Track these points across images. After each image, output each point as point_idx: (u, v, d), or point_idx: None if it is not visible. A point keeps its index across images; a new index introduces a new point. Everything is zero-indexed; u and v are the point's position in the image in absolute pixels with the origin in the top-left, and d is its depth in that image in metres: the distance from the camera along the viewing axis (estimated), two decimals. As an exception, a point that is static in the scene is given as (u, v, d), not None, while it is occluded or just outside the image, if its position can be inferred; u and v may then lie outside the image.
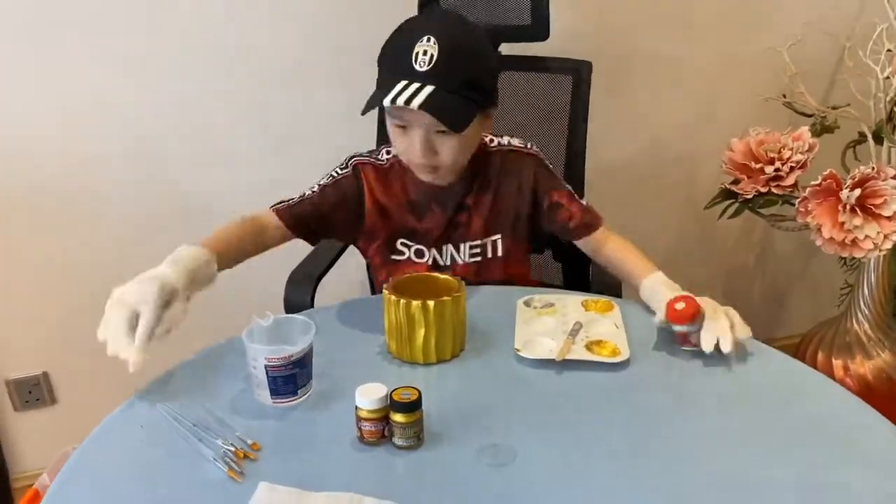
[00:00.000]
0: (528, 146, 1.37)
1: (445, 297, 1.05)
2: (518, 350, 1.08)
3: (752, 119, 1.88)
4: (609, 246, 1.35)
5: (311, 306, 1.40)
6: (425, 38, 1.13)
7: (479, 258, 1.35)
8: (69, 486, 0.87)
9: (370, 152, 1.35)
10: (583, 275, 1.73)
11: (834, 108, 1.89)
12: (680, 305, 1.09)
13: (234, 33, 1.74)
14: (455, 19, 1.23)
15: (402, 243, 1.34)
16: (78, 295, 1.82)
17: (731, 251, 2.31)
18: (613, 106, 1.95)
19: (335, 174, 1.33)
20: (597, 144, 1.71)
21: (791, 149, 1.78)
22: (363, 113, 1.16)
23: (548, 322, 1.16)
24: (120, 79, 1.70)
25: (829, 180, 1.72)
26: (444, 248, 1.34)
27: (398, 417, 0.89)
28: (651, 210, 2.17)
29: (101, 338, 0.99)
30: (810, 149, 1.78)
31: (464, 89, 1.15)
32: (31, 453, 1.95)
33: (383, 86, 1.15)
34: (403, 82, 1.12)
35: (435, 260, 1.34)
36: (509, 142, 1.36)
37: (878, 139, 1.83)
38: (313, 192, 1.31)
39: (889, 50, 1.78)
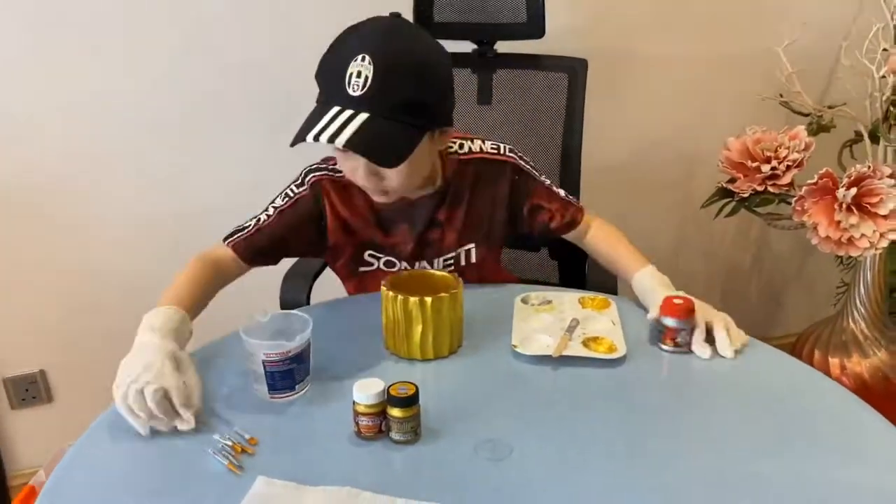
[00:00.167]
0: (503, 151, 1.29)
1: (443, 294, 1.05)
2: (515, 346, 1.09)
3: (748, 118, 1.88)
4: (593, 234, 1.34)
5: (307, 304, 1.40)
6: (360, 58, 1.02)
7: (451, 266, 1.30)
8: (65, 482, 0.87)
9: (326, 162, 1.24)
10: (579, 273, 1.73)
11: (830, 107, 1.90)
12: (678, 301, 1.10)
13: (235, 36, 1.74)
14: (397, 31, 1.09)
15: (370, 255, 1.28)
16: (75, 294, 1.83)
17: (727, 250, 2.31)
18: (610, 105, 1.96)
19: (291, 193, 1.23)
20: (594, 143, 1.71)
21: (787, 147, 1.78)
22: (292, 145, 1.06)
23: (545, 319, 1.17)
24: (121, 80, 1.70)
25: (825, 179, 1.72)
26: (416, 264, 1.28)
27: (395, 412, 0.90)
28: (648, 209, 2.17)
29: (144, 430, 0.93)
30: (806, 147, 1.78)
31: (402, 114, 1.05)
32: (27, 451, 1.95)
33: (314, 113, 1.07)
34: (335, 109, 1.04)
35: (407, 270, 1.28)
36: (481, 147, 1.27)
37: (875, 138, 1.84)
38: (269, 217, 1.22)
39: (885, 49, 1.79)
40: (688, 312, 1.09)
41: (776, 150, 1.79)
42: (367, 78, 1.02)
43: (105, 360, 1.80)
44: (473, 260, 1.31)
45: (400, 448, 0.90)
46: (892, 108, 1.77)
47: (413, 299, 1.05)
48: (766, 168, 1.78)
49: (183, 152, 1.80)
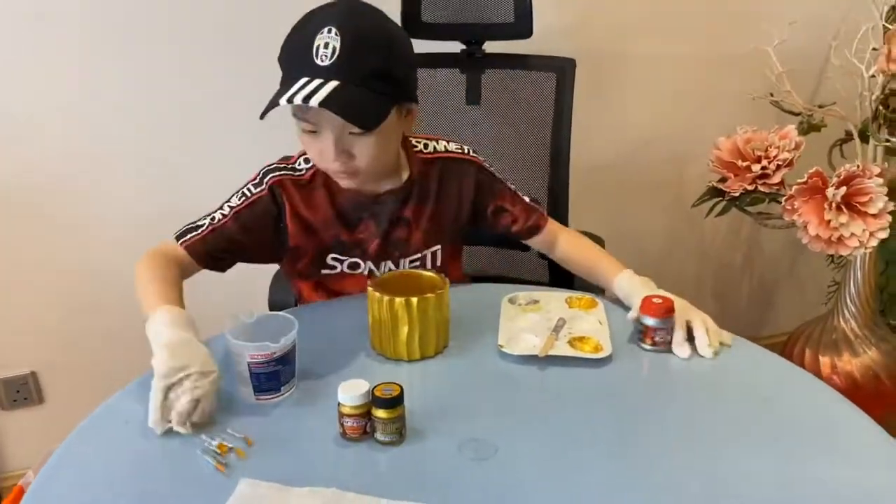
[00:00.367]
0: (467, 151, 1.30)
1: (429, 294, 1.06)
2: (501, 346, 1.09)
3: (739, 118, 1.88)
4: (563, 243, 1.34)
5: (296, 305, 1.40)
6: (326, 30, 1.03)
7: (417, 267, 1.28)
8: (52, 482, 0.87)
9: (286, 162, 1.23)
10: (568, 273, 1.73)
11: (820, 106, 1.90)
12: (657, 300, 1.10)
13: (234, 35, 1.74)
14: (361, 7, 1.11)
15: (333, 258, 1.26)
16: (69, 294, 1.83)
17: (718, 250, 2.31)
18: (599, 105, 1.96)
19: (248, 193, 1.20)
20: (583, 143, 1.71)
21: (778, 147, 1.78)
22: (262, 116, 1.04)
23: (532, 319, 1.17)
24: (121, 80, 1.70)
25: (815, 178, 1.72)
26: (382, 263, 1.26)
27: (380, 413, 0.90)
28: (639, 209, 2.18)
29: (159, 428, 0.93)
30: (797, 147, 1.78)
31: (372, 81, 1.05)
32: (18, 452, 1.95)
33: (282, 84, 1.06)
34: (304, 79, 1.03)
35: (371, 272, 1.26)
36: (445, 147, 1.28)
37: (864, 138, 1.84)
38: (224, 216, 1.19)
39: (874, 49, 1.79)
40: (667, 311, 1.09)
41: (766, 150, 1.79)
42: (334, 48, 1.02)
43: (97, 362, 1.82)
44: (438, 262, 1.30)
45: (385, 449, 0.90)
46: (881, 108, 1.77)
47: (399, 300, 1.05)
48: (756, 167, 1.78)
49: (182, 152, 1.79)
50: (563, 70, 1.66)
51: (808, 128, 1.91)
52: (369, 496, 0.82)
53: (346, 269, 1.26)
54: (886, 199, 1.68)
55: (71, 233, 1.79)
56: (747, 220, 1.98)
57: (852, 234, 1.69)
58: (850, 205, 1.70)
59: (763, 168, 1.78)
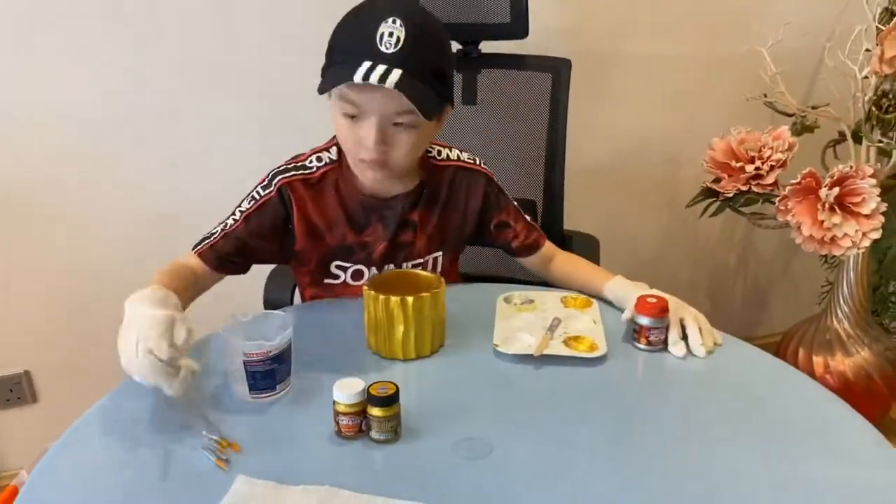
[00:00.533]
0: (478, 162, 1.31)
1: (424, 294, 1.06)
2: (497, 346, 1.09)
3: (733, 118, 1.89)
4: (558, 261, 1.36)
5: (291, 304, 1.40)
6: (390, 20, 1.03)
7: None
8: (46, 480, 0.87)
9: (295, 162, 1.22)
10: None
11: (814, 107, 1.91)
12: (651, 299, 1.11)
13: (226, 35, 1.74)
14: (417, 5, 1.12)
15: (336, 266, 1.25)
16: (63, 294, 1.82)
17: (713, 250, 2.32)
18: (594, 106, 1.97)
19: (258, 195, 1.20)
20: (579, 144, 1.72)
21: (771, 147, 1.79)
22: (321, 91, 1.06)
23: (527, 318, 1.17)
24: (110, 79, 1.69)
25: (808, 179, 1.73)
26: (385, 267, 1.25)
27: (375, 411, 0.90)
28: (634, 209, 2.18)
29: (172, 390, 0.92)
30: (790, 147, 1.79)
31: (429, 76, 1.07)
32: (12, 452, 1.94)
33: (343, 65, 1.04)
34: (368, 63, 1.02)
35: None
36: (458, 156, 1.29)
37: (857, 139, 1.85)
38: (235, 221, 1.19)
39: (867, 50, 1.80)
40: (661, 311, 1.10)
41: (760, 150, 1.80)
42: (399, 38, 1.03)
43: (90, 361, 1.81)
44: (438, 269, 1.30)
45: (380, 447, 0.90)
46: (874, 109, 1.78)
47: (395, 299, 1.05)
48: (750, 168, 1.79)
49: (180, 152, 1.79)
50: (558, 70, 1.67)
51: (802, 129, 1.92)
52: (364, 494, 0.82)
53: (349, 280, 1.26)
54: (879, 199, 1.69)
55: (66, 232, 1.79)
56: (741, 220, 1.99)
57: (845, 235, 1.70)
58: (843, 205, 1.71)
59: (757, 169, 1.79)
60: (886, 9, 1.78)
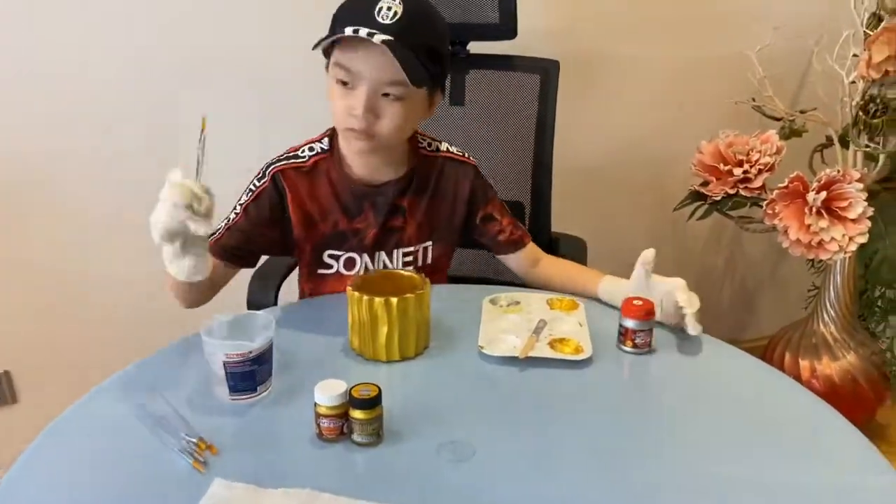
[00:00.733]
0: (466, 155, 1.34)
1: (409, 294, 1.04)
2: (482, 347, 1.08)
3: (721, 122, 1.89)
4: (545, 263, 1.37)
5: (275, 305, 1.39)
6: None
7: (410, 267, 1.30)
8: (22, 481, 0.84)
9: (288, 153, 1.26)
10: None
11: (802, 111, 1.91)
12: (638, 302, 1.10)
13: (204, 34, 1.73)
14: None
15: (329, 255, 1.27)
16: (41, 293, 1.80)
17: (700, 253, 2.32)
18: (582, 108, 1.96)
19: (254, 187, 1.24)
20: (567, 146, 1.71)
21: (759, 151, 1.79)
22: (315, 46, 1.10)
23: (513, 320, 1.16)
24: (87, 74, 1.68)
25: (795, 183, 1.73)
26: (377, 254, 1.28)
27: (357, 414, 0.88)
28: (621, 212, 2.18)
29: (203, 228, 0.98)
30: (778, 151, 1.79)
31: (423, 54, 1.11)
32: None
33: (341, 32, 1.09)
34: (366, 30, 1.07)
35: (367, 268, 1.28)
36: (448, 148, 1.32)
37: (845, 143, 1.85)
38: (237, 215, 1.23)
39: (855, 55, 1.81)
40: (647, 313, 1.09)
41: (748, 154, 1.80)
42: (396, 12, 1.08)
43: (70, 362, 1.79)
44: (429, 260, 1.32)
45: (362, 450, 0.89)
46: (861, 114, 1.79)
47: (378, 300, 1.03)
48: (738, 171, 1.79)
49: (152, 150, 1.77)
50: (547, 71, 1.66)
51: (790, 133, 1.92)
52: (346, 498, 0.81)
53: (342, 269, 1.28)
54: (866, 204, 1.69)
55: (45, 232, 1.76)
56: (729, 224, 1.99)
57: (832, 239, 1.71)
58: (830, 209, 1.71)
59: (745, 172, 1.79)
60: (874, 14, 1.78)
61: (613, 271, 1.31)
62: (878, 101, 1.78)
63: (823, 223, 1.70)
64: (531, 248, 1.38)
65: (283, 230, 1.26)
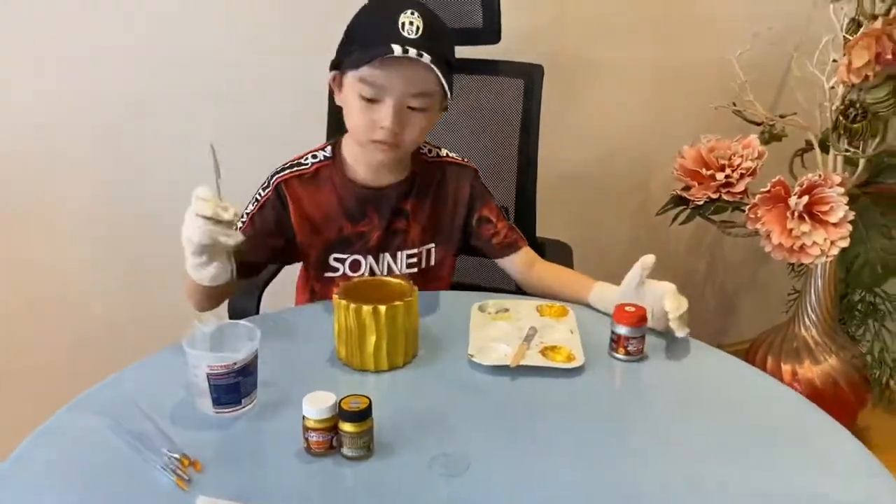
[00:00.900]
0: (465, 159, 1.37)
1: (398, 302, 1.02)
2: (472, 356, 1.06)
3: (700, 126, 1.89)
4: (539, 267, 1.37)
5: (257, 314, 1.35)
6: (409, 11, 1.12)
7: (414, 269, 1.31)
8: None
9: (291, 161, 1.29)
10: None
11: (782, 116, 1.91)
12: (630, 308, 1.08)
13: (197, 33, 1.69)
14: (425, 4, 1.21)
15: (335, 258, 1.28)
16: (9, 299, 1.74)
17: (682, 258, 2.32)
18: (564, 113, 1.95)
19: (259, 197, 1.27)
20: (548, 152, 1.69)
21: (741, 156, 1.79)
22: (359, 65, 1.12)
23: (502, 327, 1.14)
24: (67, 74, 1.63)
25: (777, 187, 1.74)
26: (381, 256, 1.29)
27: (347, 427, 0.86)
28: (603, 217, 2.17)
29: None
30: (759, 156, 1.80)
31: (443, 66, 1.14)
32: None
33: (371, 47, 1.12)
34: (398, 46, 1.10)
35: (372, 270, 1.29)
36: (447, 154, 1.36)
37: (824, 147, 1.86)
38: (243, 224, 1.25)
39: (834, 60, 1.81)
40: (639, 320, 1.08)
41: (730, 159, 1.80)
42: (418, 27, 1.12)
43: (38, 373, 1.73)
44: (433, 262, 1.33)
45: (352, 464, 0.86)
46: (841, 119, 1.79)
47: (366, 308, 1.01)
48: (720, 176, 1.79)
49: (130, 157, 1.73)
50: (531, 76, 1.65)
51: (770, 137, 1.92)
52: (336, 514, 0.78)
53: (347, 271, 1.29)
54: (847, 208, 1.69)
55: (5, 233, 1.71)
56: (711, 228, 1.98)
57: (814, 243, 1.71)
58: (812, 214, 1.72)
59: (727, 177, 1.79)
60: (853, 19, 1.79)
61: (595, 275, 1.30)
62: (857, 105, 1.79)
63: (805, 227, 1.70)
64: (526, 252, 1.37)
65: (287, 238, 1.27)
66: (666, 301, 1.12)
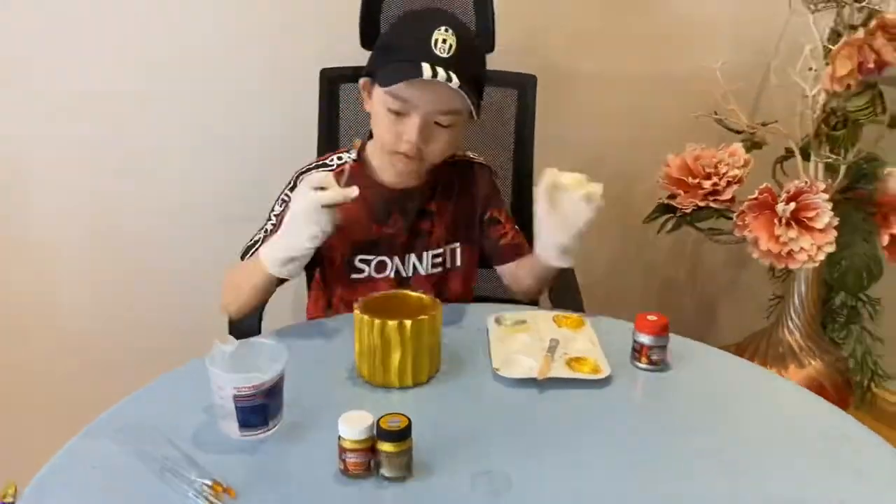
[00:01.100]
0: (482, 159, 1.39)
1: (423, 316, 0.99)
2: (497, 369, 1.04)
3: (681, 135, 1.91)
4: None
5: (259, 329, 1.31)
6: (442, 28, 1.13)
7: (440, 268, 1.32)
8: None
9: (317, 162, 1.30)
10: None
11: (763, 124, 1.94)
12: (652, 317, 1.08)
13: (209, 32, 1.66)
14: (460, 20, 1.22)
15: (360, 260, 1.28)
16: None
17: (664, 265, 2.34)
18: (551, 123, 1.95)
19: (286, 197, 1.25)
20: (536, 160, 1.69)
21: (727, 164, 1.81)
22: (388, 84, 1.13)
23: (523, 339, 1.12)
24: (42, 76, 1.57)
25: (765, 194, 1.76)
26: (406, 257, 1.30)
27: (387, 447, 0.83)
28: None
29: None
30: (745, 164, 1.82)
31: (473, 84, 1.16)
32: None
33: (403, 63, 1.12)
34: (427, 64, 1.11)
35: (397, 271, 1.29)
36: (466, 154, 1.38)
37: (806, 155, 1.90)
38: (274, 226, 1.23)
39: (811, 69, 1.85)
40: (662, 329, 1.07)
41: (716, 167, 1.82)
42: (451, 45, 1.13)
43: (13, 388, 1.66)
44: (458, 262, 1.34)
45: (391, 485, 0.83)
46: (823, 126, 1.83)
47: (391, 323, 0.98)
48: (707, 184, 1.81)
49: (109, 172, 1.67)
50: (524, 86, 1.65)
51: (752, 145, 1.95)
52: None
53: (373, 272, 1.29)
54: (832, 213, 1.73)
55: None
56: (692, 235, 2.00)
57: (801, 249, 1.73)
58: (798, 220, 1.74)
59: (714, 185, 1.81)
60: (833, 29, 1.83)
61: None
62: (838, 113, 1.83)
63: (793, 233, 1.73)
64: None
65: None
66: (563, 178, 1.18)
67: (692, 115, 1.99)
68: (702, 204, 1.84)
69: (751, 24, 2.07)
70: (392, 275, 1.29)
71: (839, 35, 1.82)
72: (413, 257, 1.30)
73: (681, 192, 1.86)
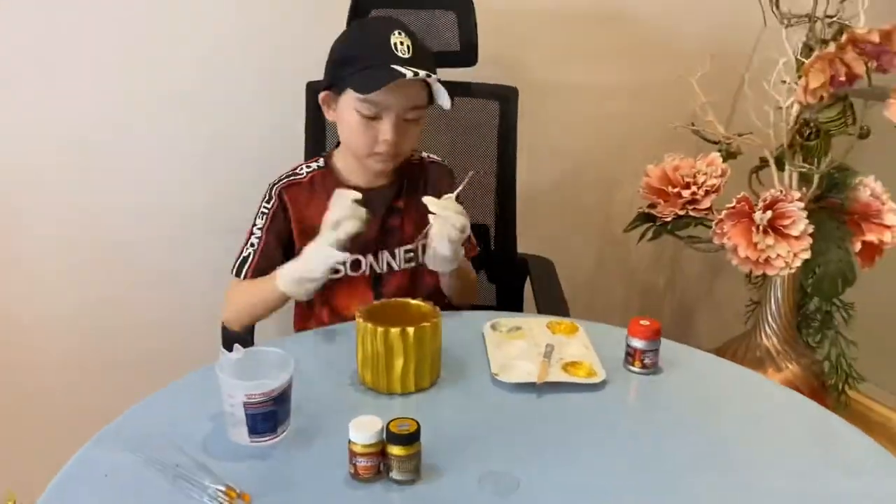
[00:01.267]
0: (444, 161, 1.46)
1: (425, 323, 1.02)
2: (496, 374, 1.06)
3: (661, 146, 1.96)
4: None
5: (252, 338, 1.32)
6: (396, 32, 1.21)
7: (412, 263, 1.36)
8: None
9: (287, 174, 1.35)
10: (517, 297, 1.74)
11: (739, 135, 2.00)
12: (644, 322, 1.12)
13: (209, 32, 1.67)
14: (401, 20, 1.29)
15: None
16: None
17: (644, 272, 2.39)
18: (532, 133, 1.99)
19: (265, 209, 1.32)
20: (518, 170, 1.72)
21: (705, 174, 1.86)
22: (368, 91, 1.19)
23: (519, 345, 1.15)
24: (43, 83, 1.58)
25: (742, 203, 1.81)
26: (380, 254, 1.34)
27: (396, 451, 0.85)
28: (568, 234, 2.21)
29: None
30: (723, 173, 1.87)
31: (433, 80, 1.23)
32: None
33: (371, 69, 1.19)
34: (397, 66, 1.17)
35: (371, 267, 1.33)
36: (428, 156, 1.45)
37: (780, 164, 1.95)
38: (260, 240, 1.30)
39: (783, 82, 1.91)
40: (655, 333, 1.11)
41: (695, 176, 1.87)
42: (409, 46, 1.21)
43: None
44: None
45: (401, 488, 0.86)
46: (797, 137, 1.89)
47: (394, 330, 1.00)
48: (686, 193, 1.85)
49: (92, 178, 1.67)
50: (506, 98, 1.69)
51: (727, 155, 2.01)
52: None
53: (349, 271, 1.32)
54: (807, 221, 1.78)
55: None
56: (670, 243, 2.05)
57: (778, 255, 1.78)
58: (775, 227, 1.80)
59: (693, 194, 1.86)
60: (805, 44, 1.90)
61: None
62: (811, 124, 1.89)
63: (770, 241, 1.78)
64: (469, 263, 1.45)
65: (289, 246, 1.31)
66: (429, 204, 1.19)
67: (670, 125, 2.05)
68: (681, 213, 1.88)
69: (726, 39, 2.13)
70: (367, 271, 1.33)
71: (811, 49, 1.88)
72: (386, 254, 1.34)
73: (661, 201, 1.91)
